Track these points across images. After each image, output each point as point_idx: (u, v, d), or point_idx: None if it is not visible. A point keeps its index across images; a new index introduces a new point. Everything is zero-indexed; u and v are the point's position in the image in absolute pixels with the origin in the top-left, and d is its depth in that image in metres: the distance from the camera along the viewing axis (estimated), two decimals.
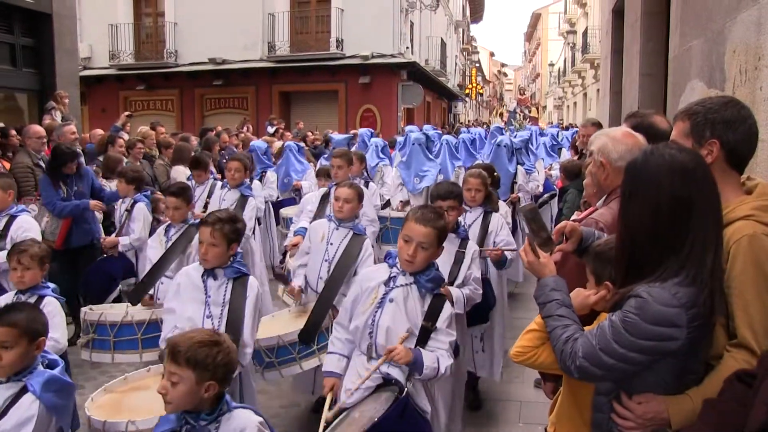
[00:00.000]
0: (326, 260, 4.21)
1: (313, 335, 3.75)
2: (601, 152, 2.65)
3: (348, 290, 3.41)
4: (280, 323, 4.09)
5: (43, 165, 6.61)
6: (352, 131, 12.56)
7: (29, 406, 2.53)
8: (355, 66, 20.73)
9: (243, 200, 6.19)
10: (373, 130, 11.39)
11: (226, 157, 7.95)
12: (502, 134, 10.00)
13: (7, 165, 7.08)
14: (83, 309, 4.20)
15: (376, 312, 2.95)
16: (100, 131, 9.77)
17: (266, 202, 7.69)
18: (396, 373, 2.84)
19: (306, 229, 4.78)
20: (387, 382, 2.85)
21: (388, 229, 6.35)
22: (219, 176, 7.64)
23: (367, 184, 6.57)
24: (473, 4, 45.86)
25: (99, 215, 6.43)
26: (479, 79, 46.71)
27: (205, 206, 6.38)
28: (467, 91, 40.95)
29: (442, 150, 8.81)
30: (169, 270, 4.41)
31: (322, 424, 2.79)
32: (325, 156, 9.75)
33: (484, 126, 23.24)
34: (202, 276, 3.33)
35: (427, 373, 2.82)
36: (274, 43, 21.14)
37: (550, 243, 2.30)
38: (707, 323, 1.84)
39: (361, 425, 2.62)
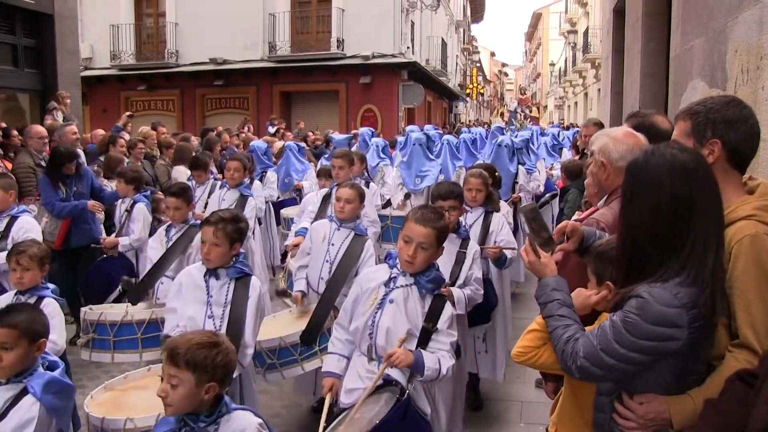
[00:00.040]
0: (327, 261, 4.20)
1: (314, 336, 3.74)
2: (602, 152, 2.65)
3: (349, 291, 3.41)
4: (282, 324, 4.08)
5: (44, 165, 6.61)
6: (353, 131, 12.57)
7: (29, 407, 2.52)
8: (355, 66, 20.73)
9: (243, 200, 6.20)
10: (374, 130, 11.39)
11: (227, 158, 7.95)
12: (503, 134, 10.00)
13: (9, 165, 7.09)
14: (83, 309, 4.19)
15: (376, 313, 2.93)
16: (101, 131, 9.77)
17: (267, 202, 7.69)
18: (396, 374, 2.83)
19: (307, 229, 4.78)
20: (387, 382, 2.83)
21: (389, 227, 6.35)
22: (220, 176, 7.64)
23: (367, 184, 6.57)
24: (474, 4, 45.85)
25: (100, 215, 6.43)
26: (480, 78, 46.70)
27: (206, 206, 6.38)
28: (468, 91, 40.94)
29: (442, 150, 8.80)
30: (169, 270, 4.41)
31: (322, 424, 2.79)
32: (326, 156, 9.74)
33: (485, 126, 23.23)
34: (205, 276, 3.31)
35: (428, 375, 2.81)
36: (275, 43, 21.15)
37: (551, 243, 2.30)
38: (708, 324, 1.83)
39: (361, 426, 2.61)
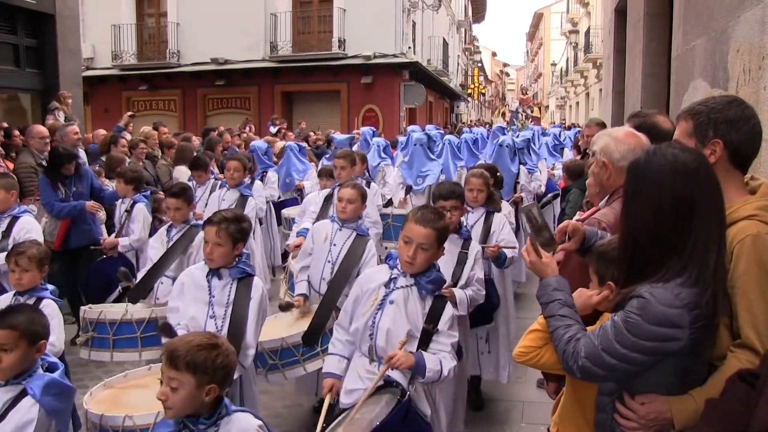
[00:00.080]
0: (329, 261, 4.20)
1: (316, 337, 3.74)
2: (604, 152, 2.65)
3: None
4: (283, 325, 4.08)
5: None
6: (355, 131, 12.56)
7: (28, 409, 2.51)
8: (357, 66, 20.74)
9: (243, 200, 6.20)
10: (375, 129, 11.38)
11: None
12: (504, 134, 9.99)
13: (11, 165, 7.10)
14: (82, 307, 4.18)
15: (376, 314, 2.92)
16: (102, 131, 9.79)
17: (267, 202, 7.69)
18: (397, 376, 2.81)
19: (308, 230, 4.77)
20: (388, 383, 2.82)
21: (390, 226, 6.34)
22: (221, 176, 7.64)
23: (368, 184, 6.57)
24: (475, 4, 45.83)
25: (101, 215, 6.43)
26: (481, 78, 46.68)
27: (206, 206, 6.38)
28: (469, 90, 40.93)
29: (444, 150, 8.80)
30: (169, 270, 4.41)
31: (320, 424, 2.78)
32: (327, 156, 9.75)
33: (487, 126, 23.23)
34: (207, 276, 3.31)
35: (430, 376, 2.80)
36: (277, 43, 21.16)
37: (552, 242, 2.29)
38: (710, 324, 1.83)
39: (361, 427, 2.60)
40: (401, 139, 10.05)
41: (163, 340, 3.38)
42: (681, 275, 1.82)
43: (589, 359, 1.89)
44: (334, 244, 4.23)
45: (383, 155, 8.95)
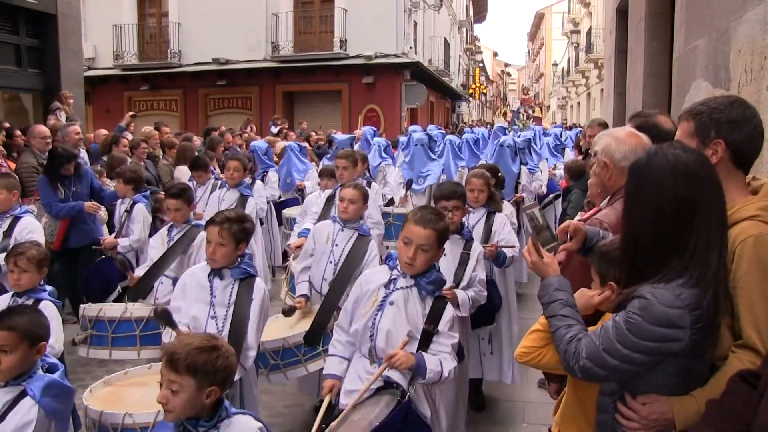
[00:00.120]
0: (331, 262, 4.19)
1: (318, 337, 3.73)
2: (605, 152, 2.65)
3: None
4: (285, 325, 4.07)
5: None
6: (356, 131, 12.56)
7: (28, 410, 2.50)
8: (358, 66, 20.74)
9: (243, 200, 6.20)
10: (375, 129, 11.38)
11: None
12: (505, 134, 9.99)
13: (13, 165, 7.11)
14: (82, 305, 4.16)
15: (376, 315, 2.91)
16: (104, 131, 9.80)
17: (268, 202, 7.69)
18: (397, 377, 2.80)
19: (309, 230, 4.77)
20: (388, 384, 2.80)
21: (391, 225, 6.33)
22: (222, 176, 7.64)
23: (369, 184, 6.56)
24: (476, 4, 45.82)
25: (103, 215, 6.44)
26: (483, 78, 46.68)
27: (206, 206, 6.38)
28: (471, 90, 40.93)
29: (445, 150, 8.80)
30: (169, 270, 4.41)
31: (317, 424, 2.77)
32: (328, 156, 9.75)
33: (488, 126, 23.22)
34: (209, 276, 3.30)
35: (430, 377, 2.79)
36: (278, 43, 21.17)
37: (553, 242, 2.29)
38: (711, 324, 1.83)
39: (360, 428, 2.59)
40: (402, 139, 10.05)
41: (164, 337, 3.37)
42: (682, 276, 1.82)
43: (591, 359, 1.89)
44: (336, 245, 4.22)
45: (384, 155, 8.95)
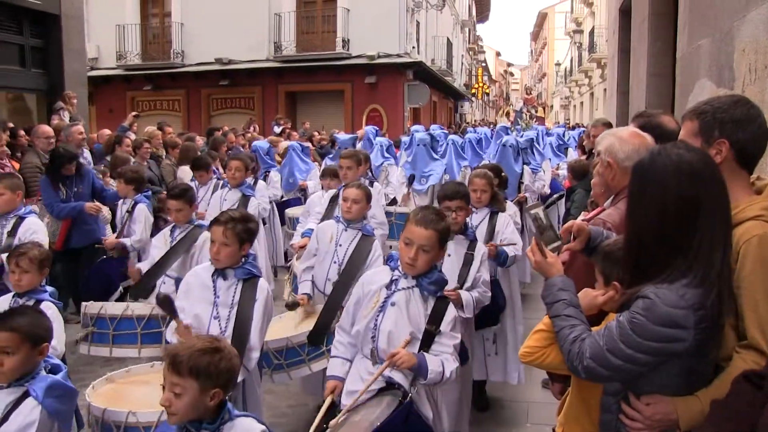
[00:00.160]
0: (335, 262, 4.18)
1: (322, 337, 3.73)
2: (608, 152, 2.64)
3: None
4: (288, 325, 4.07)
5: None
6: (359, 131, 12.57)
7: (30, 411, 2.49)
8: (361, 66, 20.75)
9: (245, 200, 6.20)
10: (377, 128, 11.37)
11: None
12: (508, 134, 9.98)
13: (17, 165, 7.12)
14: (83, 303, 4.16)
15: (377, 316, 2.89)
16: (107, 131, 9.81)
17: (271, 202, 7.69)
18: (399, 378, 2.80)
19: (313, 230, 4.76)
20: (390, 385, 2.80)
21: (393, 224, 6.33)
22: (225, 176, 7.65)
23: (371, 184, 6.56)
24: (479, 4, 45.79)
25: (105, 215, 6.44)
26: (485, 78, 46.67)
27: (208, 206, 6.38)
28: (473, 90, 40.93)
29: (447, 150, 8.79)
30: (171, 270, 4.41)
31: (316, 423, 2.76)
32: (330, 156, 9.75)
33: (491, 126, 23.20)
34: (212, 276, 3.29)
35: (432, 378, 2.78)
36: (281, 43, 21.18)
37: (557, 241, 2.29)
38: (715, 325, 1.83)
39: (362, 429, 2.58)
40: (404, 139, 10.05)
41: (168, 335, 3.36)
42: (686, 276, 1.81)
43: (594, 359, 1.89)
44: (340, 245, 4.22)
45: (386, 155, 8.95)
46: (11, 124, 8.62)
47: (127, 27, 22.22)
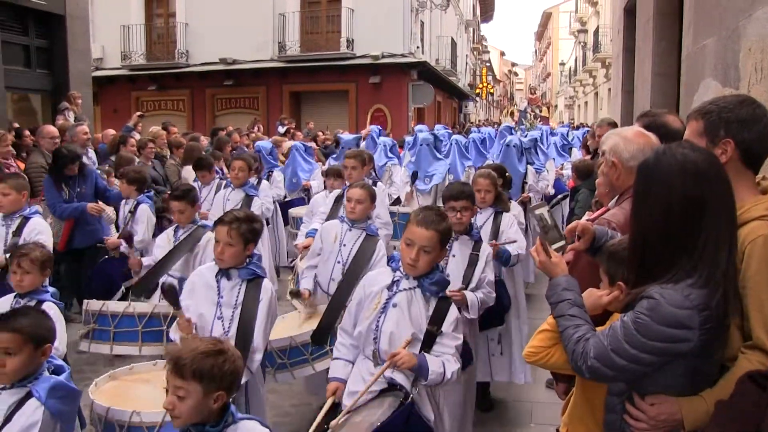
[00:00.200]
0: (339, 262, 4.18)
1: (325, 336, 3.72)
2: (613, 152, 2.64)
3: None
4: (291, 325, 4.08)
5: None
6: (363, 131, 12.58)
7: (33, 411, 2.49)
8: (365, 66, 20.75)
9: (248, 200, 6.19)
10: (381, 128, 11.37)
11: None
12: (512, 134, 9.97)
13: (22, 165, 7.15)
14: (85, 300, 4.16)
15: (379, 317, 2.88)
16: (112, 131, 9.84)
17: (274, 202, 7.69)
18: (401, 379, 2.79)
19: (317, 230, 4.76)
20: (391, 386, 2.79)
21: (396, 224, 6.33)
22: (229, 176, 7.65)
23: (375, 184, 6.56)
24: (483, 4, 45.76)
25: (109, 215, 6.46)
26: (490, 78, 46.56)
27: (211, 206, 6.38)
28: (478, 90, 40.85)
29: (451, 150, 8.78)
30: (175, 270, 4.41)
31: (315, 423, 2.75)
32: (334, 156, 9.75)
33: (495, 126, 23.18)
34: (216, 276, 3.28)
35: (432, 378, 2.77)
36: (285, 43, 21.20)
37: (561, 240, 2.29)
38: (720, 325, 1.82)
39: (362, 430, 2.58)
40: (408, 139, 10.04)
41: (172, 334, 3.36)
42: (691, 276, 1.81)
43: (598, 359, 1.88)
44: (344, 245, 4.21)
45: (390, 155, 8.94)
46: (16, 124, 8.67)
47: (132, 27, 22.28)
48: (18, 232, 4.74)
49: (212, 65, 21.56)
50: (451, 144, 8.94)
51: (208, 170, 6.83)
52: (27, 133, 8.11)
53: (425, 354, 2.82)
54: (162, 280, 4.41)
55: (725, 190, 1.87)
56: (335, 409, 2.91)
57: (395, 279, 2.95)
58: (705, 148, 2.02)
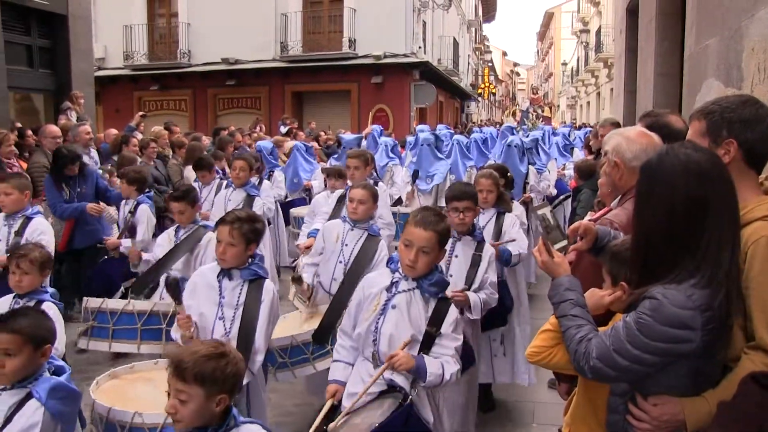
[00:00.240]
0: (341, 261, 4.17)
1: (327, 335, 3.72)
2: (616, 152, 2.63)
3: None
4: (293, 324, 4.08)
5: None
6: (365, 130, 12.58)
7: (33, 412, 2.48)
8: (367, 66, 20.75)
9: (249, 200, 6.18)
10: (382, 127, 11.37)
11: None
12: (513, 134, 9.96)
13: (24, 165, 7.16)
14: (84, 298, 4.15)
15: (378, 319, 2.87)
16: (114, 131, 9.85)
17: (275, 202, 7.69)
18: (400, 380, 2.78)
19: (319, 230, 4.76)
20: (391, 388, 2.79)
21: (397, 225, 6.32)
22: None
23: (376, 184, 6.54)
24: (486, 4, 45.73)
25: (111, 215, 6.46)
26: (492, 78, 46.55)
27: (212, 206, 6.38)
28: (480, 90, 40.82)
29: (453, 150, 8.77)
30: (174, 269, 4.41)
31: (315, 424, 2.75)
32: (335, 156, 9.75)
33: (497, 126, 23.16)
34: (218, 276, 3.27)
35: (431, 380, 2.75)
36: (287, 43, 21.21)
37: (563, 239, 2.28)
38: (723, 325, 1.82)
39: (361, 431, 2.58)
40: (410, 139, 10.04)
41: (174, 333, 3.36)
42: (694, 276, 1.81)
43: (601, 360, 1.88)
44: (346, 245, 4.21)
45: (391, 155, 8.94)
46: (19, 124, 8.67)
47: (134, 27, 22.30)
48: (20, 232, 4.73)
49: (214, 65, 21.56)
50: (452, 144, 8.94)
51: (207, 170, 6.82)
52: (29, 132, 8.11)
53: (424, 356, 2.80)
54: (164, 276, 4.42)
55: (728, 191, 1.87)
56: (334, 410, 2.90)
57: (394, 280, 2.94)
58: (707, 148, 2.02)
